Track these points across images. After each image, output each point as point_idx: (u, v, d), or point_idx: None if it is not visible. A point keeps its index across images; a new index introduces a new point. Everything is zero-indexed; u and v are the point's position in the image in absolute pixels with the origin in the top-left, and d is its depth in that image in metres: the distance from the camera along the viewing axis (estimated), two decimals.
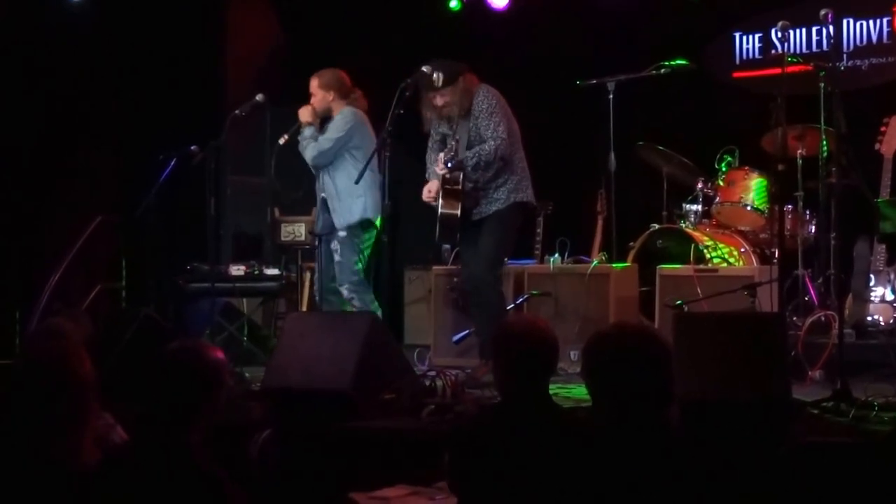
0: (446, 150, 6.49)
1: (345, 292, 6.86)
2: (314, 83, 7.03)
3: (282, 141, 6.98)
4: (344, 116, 6.92)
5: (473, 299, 6.55)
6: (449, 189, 6.37)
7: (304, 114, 7.01)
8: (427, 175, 6.59)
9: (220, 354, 3.37)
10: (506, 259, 6.77)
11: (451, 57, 6.56)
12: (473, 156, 6.34)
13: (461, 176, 6.35)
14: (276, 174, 7.25)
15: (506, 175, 6.41)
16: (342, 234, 6.86)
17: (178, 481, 3.12)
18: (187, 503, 3.11)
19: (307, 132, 6.98)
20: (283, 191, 7.59)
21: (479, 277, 6.41)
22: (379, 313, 6.72)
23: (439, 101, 6.43)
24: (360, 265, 6.91)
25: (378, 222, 6.82)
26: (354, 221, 6.86)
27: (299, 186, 7.60)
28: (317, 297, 7.15)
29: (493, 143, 6.31)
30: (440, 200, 6.39)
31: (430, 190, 6.49)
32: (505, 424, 3.64)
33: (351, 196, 6.81)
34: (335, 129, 6.91)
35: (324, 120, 7.05)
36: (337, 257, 6.90)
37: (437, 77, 6.37)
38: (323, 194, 7.02)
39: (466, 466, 3.66)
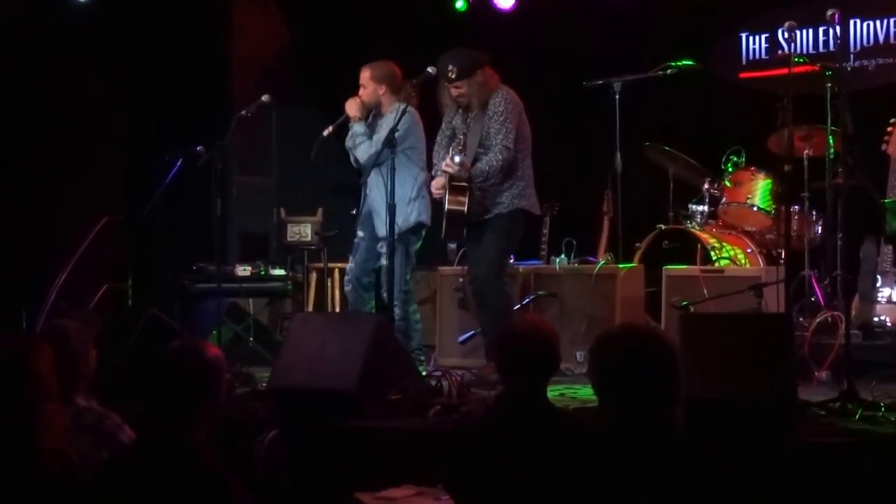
0: (454, 143, 6.47)
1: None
2: (365, 74, 6.68)
3: (326, 133, 6.63)
4: (398, 115, 6.45)
5: (478, 300, 6.55)
6: (455, 185, 6.36)
7: (352, 107, 6.64)
8: (434, 171, 6.58)
9: (217, 352, 3.37)
10: (508, 262, 6.75)
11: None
12: (480, 173, 6.32)
13: (468, 175, 6.35)
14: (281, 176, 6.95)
15: (511, 180, 6.40)
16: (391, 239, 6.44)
17: (182, 480, 3.13)
18: (192, 502, 3.12)
19: (358, 128, 6.61)
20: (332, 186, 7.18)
21: (482, 279, 6.41)
22: (419, 325, 6.68)
23: (455, 92, 6.43)
24: (409, 274, 6.63)
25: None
26: (407, 227, 6.53)
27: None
28: (347, 287, 6.87)
29: (500, 155, 6.29)
30: (446, 196, 6.39)
31: (437, 186, 6.46)
32: (504, 425, 3.65)
33: (402, 201, 6.38)
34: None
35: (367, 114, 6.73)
36: (384, 262, 6.52)
37: (452, 70, 6.33)
38: (369, 191, 6.70)
39: (463, 466, 3.67)
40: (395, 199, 6.16)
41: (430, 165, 6.65)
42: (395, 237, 6.21)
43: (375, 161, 6.45)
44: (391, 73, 6.69)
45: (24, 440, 3.21)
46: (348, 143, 6.71)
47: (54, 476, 3.19)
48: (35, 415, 3.24)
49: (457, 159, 6.32)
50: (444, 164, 6.40)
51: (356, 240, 6.85)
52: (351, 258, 6.88)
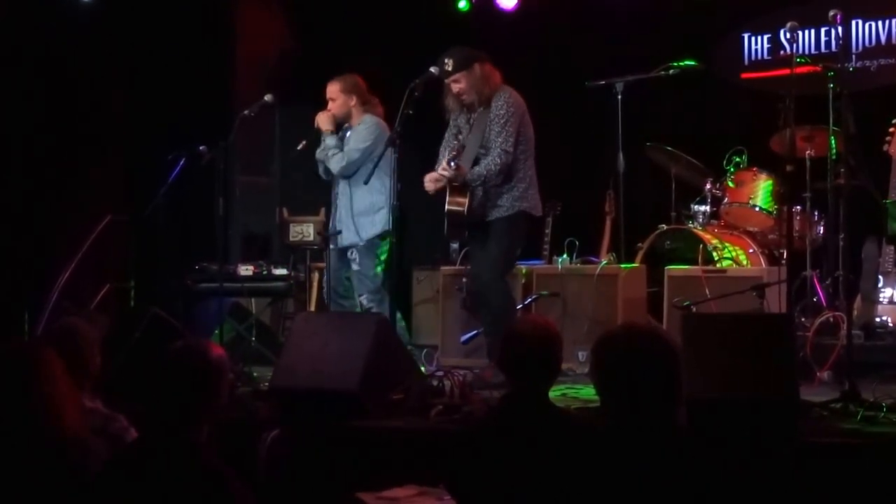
0: (450, 148, 6.47)
1: (364, 302, 6.77)
2: (335, 88, 6.87)
3: (300, 147, 6.86)
4: (368, 125, 6.77)
5: (480, 300, 6.54)
6: (455, 185, 6.37)
7: (324, 121, 6.83)
8: (435, 168, 6.58)
9: (220, 352, 3.37)
10: (513, 264, 6.73)
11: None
12: (477, 177, 6.31)
13: (464, 179, 6.34)
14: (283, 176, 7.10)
15: (512, 182, 6.36)
16: (361, 243, 6.76)
17: (184, 480, 3.13)
18: (194, 501, 3.12)
19: (330, 141, 6.81)
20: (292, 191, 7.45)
21: (483, 281, 6.40)
22: (402, 324, 6.74)
23: (455, 87, 6.41)
24: (379, 272, 6.79)
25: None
26: (376, 234, 6.77)
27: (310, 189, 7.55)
28: (326, 300, 7.08)
29: (498, 159, 6.26)
30: (447, 197, 6.40)
31: (429, 179, 6.39)
32: (506, 425, 3.66)
33: (373, 208, 6.70)
34: (361, 139, 6.75)
35: (337, 126, 6.92)
36: (355, 266, 6.80)
37: (448, 63, 6.34)
38: (338, 202, 6.91)
39: (465, 466, 3.67)
40: (363, 209, 6.69)
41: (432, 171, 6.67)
42: (365, 242, 6.64)
43: (348, 172, 6.73)
44: (359, 85, 6.89)
45: (40, 437, 3.22)
46: (319, 154, 6.88)
47: (70, 470, 3.21)
48: (52, 411, 3.25)
49: (452, 164, 6.32)
50: (440, 168, 6.40)
51: (325, 250, 7.05)
52: (325, 267, 7.09)
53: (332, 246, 7.00)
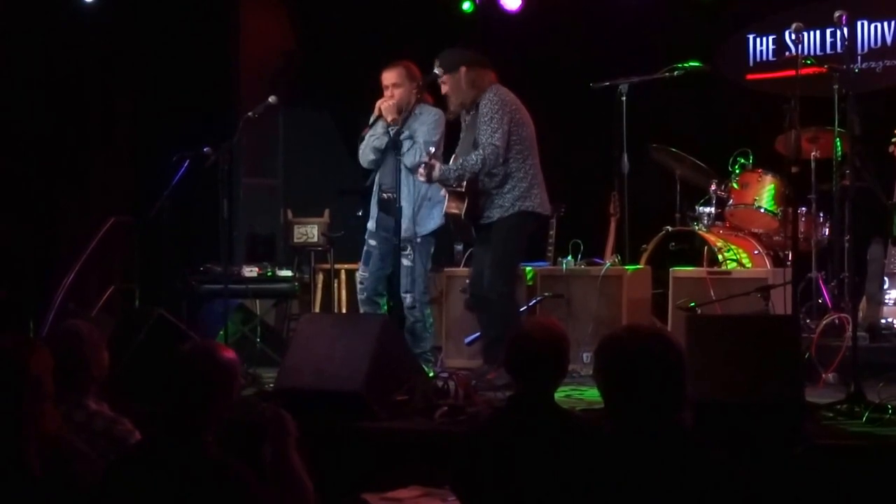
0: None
1: (408, 299, 6.50)
2: (399, 75, 6.52)
3: (364, 133, 6.58)
4: (435, 117, 6.47)
5: (478, 302, 6.48)
6: (451, 190, 6.34)
7: (390, 111, 6.48)
8: None
9: (232, 354, 3.37)
10: (516, 266, 6.63)
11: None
12: (457, 168, 6.21)
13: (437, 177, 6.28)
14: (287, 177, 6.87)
15: (511, 182, 6.26)
16: (418, 240, 6.47)
17: (192, 479, 3.13)
18: (203, 498, 3.12)
19: (404, 132, 6.40)
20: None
21: (485, 281, 6.34)
22: (433, 327, 6.67)
23: (443, 89, 6.36)
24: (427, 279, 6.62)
25: None
26: (433, 228, 6.54)
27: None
28: (360, 297, 6.75)
29: (480, 152, 6.14)
30: (446, 201, 6.38)
31: (422, 173, 6.27)
32: (511, 426, 3.66)
33: (433, 201, 6.46)
34: (431, 132, 6.45)
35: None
36: (408, 263, 6.49)
37: (436, 65, 6.28)
38: (389, 194, 6.50)
39: (470, 467, 3.67)
40: (424, 201, 6.43)
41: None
42: (421, 239, 6.26)
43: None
44: (418, 73, 6.57)
45: (15, 441, 3.22)
46: (377, 143, 6.55)
47: (47, 475, 3.20)
48: (28, 416, 3.25)
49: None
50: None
51: (367, 248, 6.74)
52: (362, 267, 6.78)
53: (373, 243, 6.69)
